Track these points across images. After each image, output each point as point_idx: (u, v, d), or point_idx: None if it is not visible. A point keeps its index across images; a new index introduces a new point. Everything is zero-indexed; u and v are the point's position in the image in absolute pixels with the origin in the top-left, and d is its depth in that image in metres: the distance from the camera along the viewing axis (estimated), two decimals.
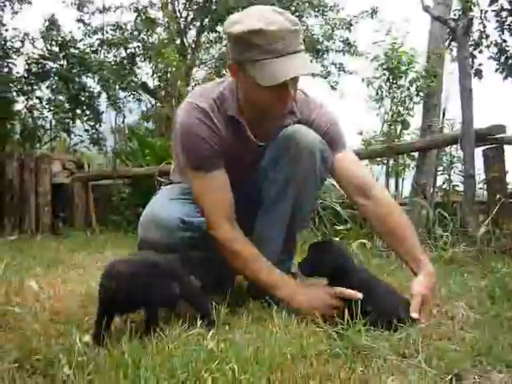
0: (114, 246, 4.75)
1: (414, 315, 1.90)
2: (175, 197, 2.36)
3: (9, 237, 5.80)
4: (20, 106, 7.34)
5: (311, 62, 2.12)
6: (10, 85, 7.07)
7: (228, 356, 1.32)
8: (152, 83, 9.07)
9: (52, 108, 6.85)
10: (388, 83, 4.29)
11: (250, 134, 2.17)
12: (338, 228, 4.57)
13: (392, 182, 4.53)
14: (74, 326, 1.85)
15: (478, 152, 4.07)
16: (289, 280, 2.09)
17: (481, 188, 4.41)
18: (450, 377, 1.45)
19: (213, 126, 2.10)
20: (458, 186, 4.62)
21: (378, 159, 4.77)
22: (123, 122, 7.61)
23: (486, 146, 4.08)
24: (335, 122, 2.30)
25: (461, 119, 4.02)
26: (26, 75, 7.30)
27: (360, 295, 1.88)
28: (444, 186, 4.59)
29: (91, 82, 7.57)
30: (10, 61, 7.15)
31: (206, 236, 2.14)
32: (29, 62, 7.37)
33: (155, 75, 8.53)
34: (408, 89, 4.33)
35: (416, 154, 4.59)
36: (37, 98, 7.29)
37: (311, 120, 2.26)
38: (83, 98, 7.34)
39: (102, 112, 7.38)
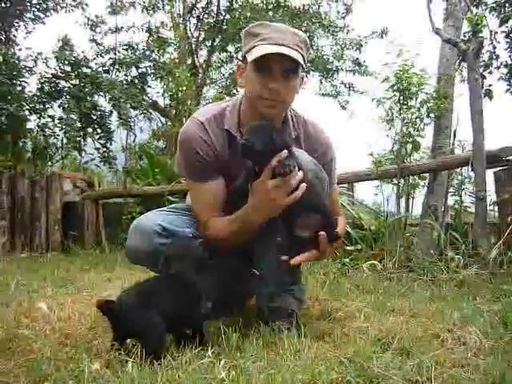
0: (124, 265, 4.74)
1: None
2: (169, 209, 2.46)
3: (19, 254, 5.83)
4: (32, 124, 7.41)
5: (305, 63, 2.18)
6: (23, 103, 7.13)
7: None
8: (163, 102, 9.19)
9: (63, 126, 6.89)
10: (398, 104, 4.29)
11: None
12: (348, 248, 4.54)
13: (403, 201, 4.45)
14: (84, 349, 1.85)
15: (489, 173, 4.05)
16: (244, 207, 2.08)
17: (492, 210, 4.37)
18: None
19: (208, 139, 2.18)
20: (469, 207, 4.59)
21: (389, 180, 4.74)
22: (134, 140, 7.67)
23: (498, 168, 4.06)
24: (334, 158, 2.37)
25: (472, 140, 4.00)
26: (38, 94, 7.36)
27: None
28: (455, 207, 4.55)
29: (102, 101, 7.64)
30: (22, 79, 7.22)
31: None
32: (41, 80, 7.44)
33: (166, 94, 8.64)
34: (418, 110, 4.32)
35: (427, 175, 4.55)
36: (49, 116, 7.34)
37: (310, 146, 2.30)
38: (94, 117, 7.38)
39: (113, 131, 7.42)
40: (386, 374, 1.61)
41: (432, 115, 4.33)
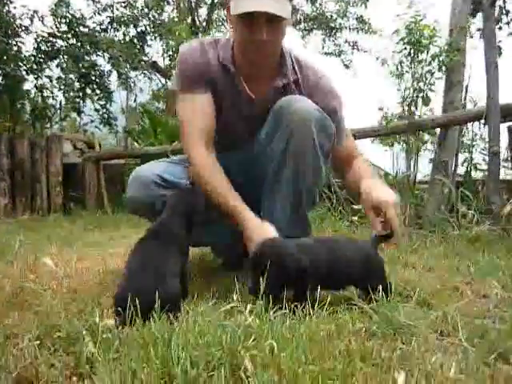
0: (127, 225, 4.68)
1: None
2: (168, 160, 2.45)
3: (21, 216, 5.76)
4: (29, 85, 7.24)
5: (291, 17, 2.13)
6: (19, 63, 6.97)
7: (264, 332, 1.22)
8: (163, 62, 8.96)
9: (62, 87, 6.73)
10: (409, 58, 4.14)
11: (242, 85, 2.17)
12: (355, 207, 4.46)
13: (412, 159, 4.35)
14: (95, 304, 1.78)
15: (503, 129, 3.93)
16: (250, 220, 2.01)
17: (504, 166, 4.27)
18: (494, 356, 1.36)
19: (205, 57, 2.15)
20: (479, 164, 4.49)
21: (398, 136, 4.63)
22: (134, 101, 7.51)
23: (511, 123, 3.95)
24: (339, 101, 2.25)
25: (483, 96, 3.89)
26: (35, 53, 7.19)
27: None
28: (466, 164, 4.45)
29: (101, 61, 7.46)
30: (18, 39, 7.04)
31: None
32: (38, 40, 7.26)
33: (166, 54, 8.42)
34: (429, 64, 4.17)
35: (437, 131, 4.43)
36: (46, 77, 7.18)
37: (310, 90, 2.20)
38: (93, 77, 7.22)
39: (113, 91, 7.26)
40: (411, 324, 1.54)
41: (443, 69, 4.17)
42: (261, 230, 1.94)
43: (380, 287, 1.72)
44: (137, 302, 1.48)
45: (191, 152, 2.13)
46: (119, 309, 1.53)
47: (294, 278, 1.68)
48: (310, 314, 1.52)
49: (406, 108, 4.21)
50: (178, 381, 1.07)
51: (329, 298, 1.58)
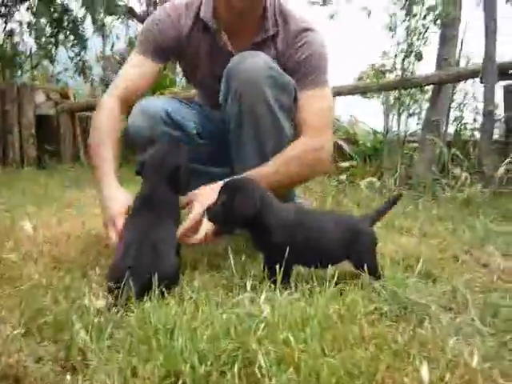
0: None
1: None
2: (176, 98, 2.40)
3: None
4: None
5: None
6: None
7: (275, 320, 1.11)
8: (140, 8, 8.53)
9: (33, 32, 6.33)
10: (404, 10, 3.95)
11: (223, 40, 2.09)
12: (342, 165, 4.37)
13: (402, 118, 4.23)
14: (81, 277, 1.65)
15: (497, 88, 3.82)
16: (111, 184, 1.88)
17: (496, 127, 4.18)
18: (510, 336, 1.30)
19: (175, 20, 2.09)
20: (470, 123, 4.40)
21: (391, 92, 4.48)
22: (111, 49, 7.13)
23: (507, 81, 3.83)
24: (317, 54, 2.06)
25: (477, 53, 3.75)
26: None
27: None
28: (455, 124, 4.36)
29: (74, 6, 7.02)
30: None
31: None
32: None
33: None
34: (424, 17, 3.99)
35: (429, 89, 4.29)
36: (16, 21, 6.76)
37: (287, 43, 2.06)
38: (66, 23, 6.81)
39: (87, 38, 6.87)
40: (421, 302, 1.46)
41: (438, 23, 4.00)
42: (110, 203, 1.82)
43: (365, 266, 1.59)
44: (132, 279, 1.37)
45: (102, 98, 2.12)
46: (111, 284, 1.41)
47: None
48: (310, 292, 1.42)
49: (399, 64, 4.05)
50: (186, 378, 0.96)
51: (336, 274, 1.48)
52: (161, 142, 1.92)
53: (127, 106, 2.11)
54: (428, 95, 4.34)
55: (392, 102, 4.66)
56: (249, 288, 1.30)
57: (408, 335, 1.23)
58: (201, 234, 1.73)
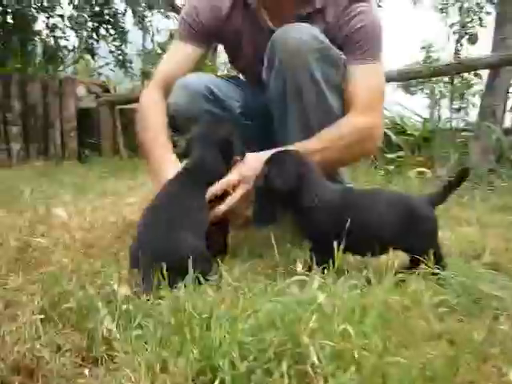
0: (144, 172, 4.40)
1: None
2: (219, 75, 2.39)
3: (34, 163, 5.50)
4: (41, 25, 6.87)
5: None
6: (30, 1, 6.57)
7: (330, 310, 0.94)
8: (180, 1, 8.46)
9: (74, 26, 6.33)
10: None
11: (263, 18, 1.94)
12: (388, 156, 4.14)
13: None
14: (112, 262, 1.53)
15: None
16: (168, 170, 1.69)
17: None
18: None
19: (213, 1, 1.97)
20: None
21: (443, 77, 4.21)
22: (152, 41, 7.08)
23: None
24: (370, 26, 1.85)
25: None
26: None
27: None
28: None
29: (116, 0, 7.00)
30: None
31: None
32: None
33: None
34: None
35: (485, 73, 3.99)
36: (58, 15, 6.77)
37: (337, 15, 1.87)
38: (107, 16, 6.80)
39: (128, 31, 6.84)
40: (496, 295, 1.26)
41: (495, 1, 3.72)
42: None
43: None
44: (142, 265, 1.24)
45: (143, 91, 2.04)
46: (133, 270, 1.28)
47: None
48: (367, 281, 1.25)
49: (452, 47, 3.79)
50: (224, 376, 0.81)
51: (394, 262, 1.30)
52: (203, 120, 1.79)
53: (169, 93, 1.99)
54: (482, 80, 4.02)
55: (441, 89, 4.38)
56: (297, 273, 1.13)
57: (485, 332, 1.04)
58: (224, 206, 1.59)
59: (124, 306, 1.07)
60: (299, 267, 1.14)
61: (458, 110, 3.87)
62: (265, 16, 1.94)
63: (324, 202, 1.44)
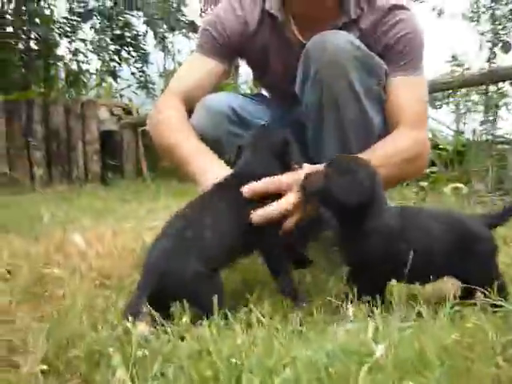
0: (167, 194, 4.30)
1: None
2: (242, 94, 2.24)
3: (57, 187, 5.45)
4: (63, 50, 6.90)
5: None
6: (52, 27, 6.63)
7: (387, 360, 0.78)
8: (200, 22, 8.45)
9: (96, 48, 6.34)
10: None
11: (291, 30, 1.80)
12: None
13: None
14: (128, 294, 1.39)
15: None
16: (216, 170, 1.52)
17: None
18: None
19: (241, 14, 1.84)
20: None
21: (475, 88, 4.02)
22: (173, 62, 7.04)
23: None
24: (412, 34, 1.71)
25: None
26: (67, 16, 6.81)
27: None
28: None
29: (136, 22, 7.01)
30: (50, 1, 6.67)
31: None
32: (70, 1, 6.86)
33: (204, 13, 7.90)
34: None
35: None
36: (80, 40, 6.80)
37: (374, 23, 1.72)
38: (128, 39, 6.80)
39: (149, 53, 6.83)
40: None
41: None
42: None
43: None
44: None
45: (161, 98, 1.92)
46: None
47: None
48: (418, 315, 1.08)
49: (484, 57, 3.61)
50: None
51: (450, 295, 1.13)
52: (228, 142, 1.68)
53: (189, 110, 1.83)
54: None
55: (471, 100, 4.19)
56: (349, 313, 0.96)
57: None
58: (282, 204, 1.36)
59: (140, 352, 0.92)
60: (350, 311, 0.95)
61: (492, 121, 3.64)
62: (294, 29, 1.80)
63: (388, 226, 1.27)
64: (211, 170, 1.53)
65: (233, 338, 0.99)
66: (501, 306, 1.14)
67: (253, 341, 0.94)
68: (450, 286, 1.38)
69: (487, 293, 1.19)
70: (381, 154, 1.55)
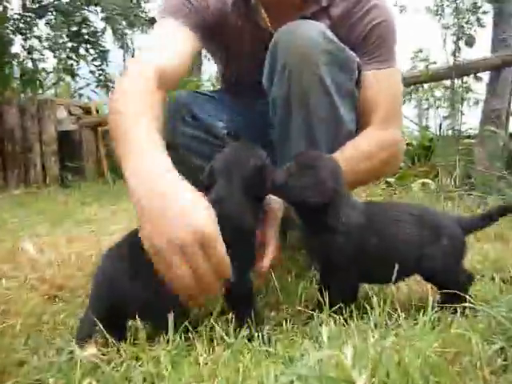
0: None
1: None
2: (199, 91, 1.92)
3: (13, 191, 5.20)
4: (18, 48, 6.64)
5: None
6: (6, 24, 6.35)
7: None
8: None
9: (52, 45, 6.10)
10: None
11: (261, 17, 1.66)
12: None
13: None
14: (79, 307, 1.26)
15: None
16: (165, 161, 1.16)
17: None
18: None
19: None
20: None
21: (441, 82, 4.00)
22: None
23: None
24: (387, 22, 1.60)
25: None
26: (21, 12, 6.54)
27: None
28: None
29: (94, 18, 6.78)
30: None
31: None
32: None
33: None
34: None
35: (484, 78, 3.78)
36: (35, 37, 6.55)
37: (346, 11, 1.60)
38: (86, 36, 6.57)
39: (108, 50, 6.61)
40: None
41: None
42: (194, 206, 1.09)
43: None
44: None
45: (129, 65, 1.54)
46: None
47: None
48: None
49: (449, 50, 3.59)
50: None
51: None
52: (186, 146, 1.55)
53: (165, 89, 1.45)
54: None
55: (435, 96, 4.18)
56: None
57: None
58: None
59: (86, 381, 0.80)
60: (325, 334, 0.84)
61: (457, 116, 3.62)
62: (263, 16, 1.67)
63: (353, 224, 1.18)
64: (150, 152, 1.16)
65: (194, 359, 0.88)
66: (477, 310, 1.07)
67: (214, 363, 0.83)
68: (430, 289, 1.30)
69: (467, 297, 1.11)
70: (348, 156, 1.43)
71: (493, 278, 1.48)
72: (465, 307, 1.09)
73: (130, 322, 1.08)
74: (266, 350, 0.87)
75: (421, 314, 1.01)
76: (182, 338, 0.95)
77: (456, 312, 1.09)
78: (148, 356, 0.90)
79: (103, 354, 0.94)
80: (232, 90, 1.98)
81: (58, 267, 1.79)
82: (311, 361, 0.66)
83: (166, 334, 0.95)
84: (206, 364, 0.86)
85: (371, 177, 1.62)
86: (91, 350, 0.90)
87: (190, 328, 1.00)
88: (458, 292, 1.15)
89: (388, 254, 1.18)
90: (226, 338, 0.91)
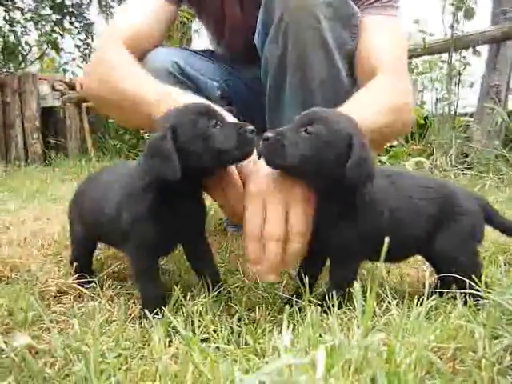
0: None
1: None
2: (189, 49, 1.82)
3: None
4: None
5: None
6: None
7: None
8: None
9: (35, 16, 5.86)
10: None
11: None
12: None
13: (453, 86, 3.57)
14: (24, 290, 1.11)
15: None
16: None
17: None
18: None
19: None
20: None
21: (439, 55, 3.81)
22: None
23: None
24: None
25: None
26: None
27: None
28: None
29: None
30: None
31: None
32: None
33: None
34: None
35: (484, 51, 3.60)
36: (17, 8, 6.28)
37: None
38: (71, 9, 6.33)
39: (93, 23, 6.38)
40: None
41: None
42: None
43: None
44: None
45: (99, 50, 1.48)
46: None
47: None
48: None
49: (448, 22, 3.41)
50: None
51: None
52: None
53: (137, 57, 1.43)
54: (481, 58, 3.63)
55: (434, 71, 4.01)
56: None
57: None
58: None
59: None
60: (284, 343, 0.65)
61: (454, 92, 3.45)
62: None
63: (377, 201, 1.02)
64: (171, 92, 1.21)
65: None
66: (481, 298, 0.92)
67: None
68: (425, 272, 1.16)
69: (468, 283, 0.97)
70: (362, 103, 1.23)
71: (493, 261, 1.34)
72: (465, 294, 0.94)
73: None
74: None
75: (415, 302, 0.87)
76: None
77: (455, 299, 0.95)
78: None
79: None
80: (225, 55, 1.82)
81: (18, 247, 1.63)
82: (273, 366, 0.50)
83: None
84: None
85: (390, 130, 1.34)
86: (23, 338, 0.75)
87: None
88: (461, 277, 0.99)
89: (398, 232, 1.02)
90: (182, 331, 0.75)
